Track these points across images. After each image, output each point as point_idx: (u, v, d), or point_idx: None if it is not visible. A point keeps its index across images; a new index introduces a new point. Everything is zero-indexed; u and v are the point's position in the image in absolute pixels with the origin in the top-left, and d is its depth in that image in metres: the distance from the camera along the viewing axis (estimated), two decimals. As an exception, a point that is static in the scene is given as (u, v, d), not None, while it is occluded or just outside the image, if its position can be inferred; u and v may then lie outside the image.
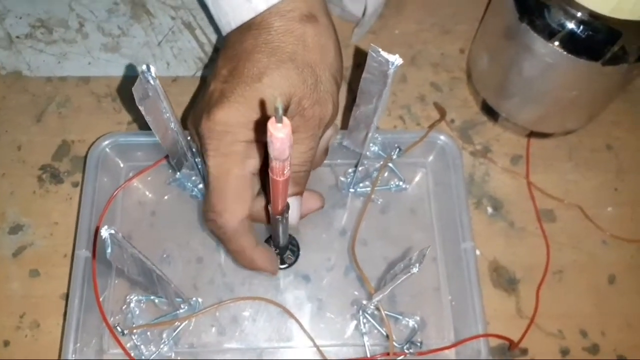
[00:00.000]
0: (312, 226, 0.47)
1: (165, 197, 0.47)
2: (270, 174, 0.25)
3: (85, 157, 0.47)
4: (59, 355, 0.42)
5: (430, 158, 0.48)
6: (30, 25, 0.57)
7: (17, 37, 0.56)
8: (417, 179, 0.48)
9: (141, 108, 0.27)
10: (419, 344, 0.40)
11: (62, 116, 0.53)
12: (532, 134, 0.53)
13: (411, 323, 0.42)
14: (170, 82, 0.55)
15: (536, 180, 0.52)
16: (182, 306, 0.41)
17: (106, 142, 0.45)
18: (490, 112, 0.53)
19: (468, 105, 0.55)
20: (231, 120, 0.33)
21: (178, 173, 0.45)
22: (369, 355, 0.40)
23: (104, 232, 0.23)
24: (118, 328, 0.38)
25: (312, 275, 0.47)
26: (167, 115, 0.30)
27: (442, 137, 0.46)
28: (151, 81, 0.27)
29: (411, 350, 0.39)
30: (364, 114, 0.32)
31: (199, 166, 0.40)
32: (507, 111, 0.51)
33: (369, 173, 0.46)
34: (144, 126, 0.52)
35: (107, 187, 0.46)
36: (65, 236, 0.48)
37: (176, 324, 0.40)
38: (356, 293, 0.45)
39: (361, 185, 0.46)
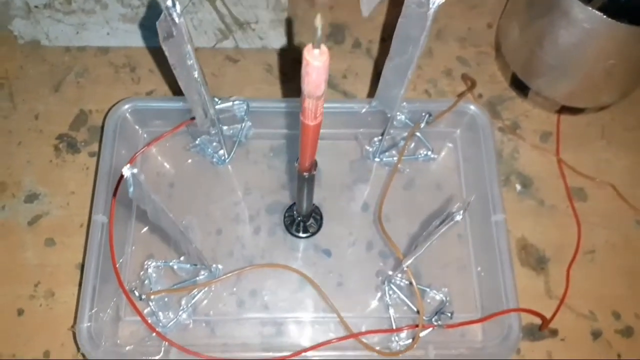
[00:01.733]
0: (333, 200, 0.46)
1: (185, 165, 0.46)
2: (301, 117, 0.24)
3: (103, 125, 0.46)
4: (74, 322, 0.41)
5: (460, 128, 0.46)
6: (49, -6, 0.56)
7: (36, 6, 0.55)
8: (445, 149, 0.46)
9: (164, 48, 0.26)
10: (449, 315, 0.38)
11: (80, 86, 0.52)
12: (562, 110, 0.51)
13: (439, 296, 0.40)
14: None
15: (567, 158, 0.50)
16: (201, 272, 0.39)
17: (126, 107, 0.44)
18: (519, 86, 0.51)
19: (496, 81, 0.53)
20: None
21: (198, 139, 0.43)
22: (394, 327, 0.39)
23: (127, 171, 0.21)
24: (135, 292, 0.36)
25: (334, 249, 0.45)
26: (191, 62, 0.29)
27: (472, 107, 0.44)
28: (176, 19, 0.25)
29: (440, 322, 0.37)
30: (397, 66, 0.30)
31: (221, 127, 0.38)
32: (538, 85, 0.49)
33: (396, 142, 0.44)
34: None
35: (124, 155, 0.44)
36: (81, 206, 0.47)
37: (195, 291, 0.39)
38: (381, 264, 0.43)
39: (387, 154, 0.45)
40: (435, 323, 0.37)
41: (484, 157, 0.43)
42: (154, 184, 0.46)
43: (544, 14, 0.44)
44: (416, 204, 0.46)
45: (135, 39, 0.54)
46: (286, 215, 0.40)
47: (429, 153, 0.45)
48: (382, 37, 0.55)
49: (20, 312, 0.44)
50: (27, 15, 0.55)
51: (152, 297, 0.37)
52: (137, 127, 0.46)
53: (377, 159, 0.45)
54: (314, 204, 0.42)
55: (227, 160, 0.45)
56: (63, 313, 0.43)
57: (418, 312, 0.38)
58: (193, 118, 0.41)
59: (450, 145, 0.47)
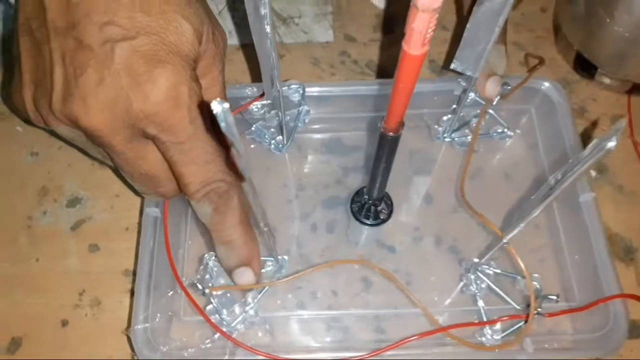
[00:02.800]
0: (395, 192, 0.42)
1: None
2: (403, 46, 0.20)
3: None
4: (128, 326, 0.37)
5: (534, 104, 0.43)
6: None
7: None
8: (520, 126, 0.43)
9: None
10: (555, 298, 0.34)
11: (121, 87, 0.50)
12: (633, 91, 0.48)
13: (533, 284, 0.36)
14: (235, 50, 0.52)
15: (642, 140, 0.46)
16: (268, 264, 0.36)
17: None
18: (585, 68, 0.48)
19: (557, 65, 0.50)
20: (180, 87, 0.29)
21: (253, 126, 0.40)
22: (485, 319, 0.34)
23: (217, 106, 0.18)
24: (198, 286, 0.33)
25: (398, 246, 0.41)
26: (265, 11, 0.26)
27: (545, 84, 0.41)
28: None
29: (540, 310, 0.33)
30: (487, 13, 0.27)
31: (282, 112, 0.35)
32: (607, 62, 0.46)
33: (467, 121, 0.41)
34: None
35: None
36: (126, 209, 0.44)
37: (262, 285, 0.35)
38: (452, 259, 0.39)
39: (459, 133, 0.41)
40: (536, 310, 0.33)
41: (564, 134, 0.39)
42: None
43: (615, -18, 0.41)
44: (494, 186, 0.42)
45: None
46: (354, 200, 0.37)
47: (505, 130, 0.41)
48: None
49: (64, 323, 0.40)
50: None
51: (214, 292, 0.33)
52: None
53: (447, 139, 0.42)
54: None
55: (285, 147, 0.42)
56: (110, 322, 0.40)
57: (528, 303, 0.34)
58: (261, 96, 0.38)
59: (526, 117, 0.44)
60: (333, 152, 0.45)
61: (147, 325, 0.33)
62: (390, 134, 0.27)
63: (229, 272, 0.33)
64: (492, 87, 0.38)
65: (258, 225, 0.29)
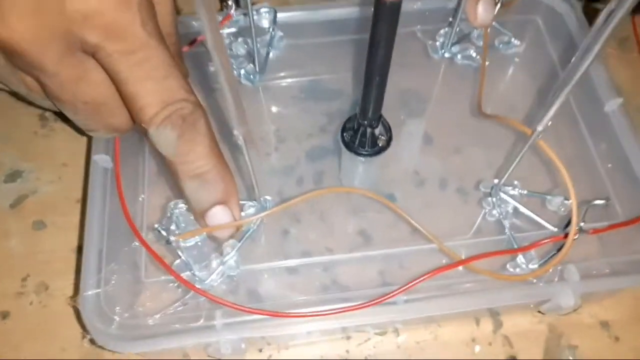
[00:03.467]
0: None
1: (206, 90, 0.36)
2: None
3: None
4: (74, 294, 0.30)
5: (538, 14, 0.38)
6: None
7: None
8: (526, 38, 0.38)
9: None
10: (603, 202, 0.28)
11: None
12: (637, 10, 0.43)
13: (567, 202, 0.30)
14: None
15: (653, 60, 0.42)
16: (249, 206, 0.29)
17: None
18: (584, -10, 0.44)
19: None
20: None
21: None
22: (516, 246, 0.28)
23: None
24: (162, 232, 0.26)
25: (398, 193, 0.36)
26: None
27: (547, -6, 0.36)
28: None
29: (583, 225, 0.27)
30: None
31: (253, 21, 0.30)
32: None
33: (466, 33, 0.36)
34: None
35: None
36: (76, 179, 0.38)
37: (244, 228, 0.28)
38: (462, 200, 0.33)
39: (458, 47, 0.36)
40: (577, 227, 0.26)
41: (577, 40, 0.34)
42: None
43: None
44: (504, 102, 0.37)
45: None
46: (346, 127, 0.30)
47: (512, 40, 0.36)
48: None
49: (4, 315, 0.33)
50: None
51: (183, 240, 0.26)
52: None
53: (447, 54, 0.36)
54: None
55: (257, 77, 0.36)
56: (60, 309, 0.33)
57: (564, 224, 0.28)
58: (223, 21, 0.32)
59: (532, 26, 0.40)
60: (314, 98, 0.39)
61: (98, 290, 0.26)
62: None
63: (201, 216, 0.26)
64: (484, 12, 0.33)
65: (232, 134, 0.23)
